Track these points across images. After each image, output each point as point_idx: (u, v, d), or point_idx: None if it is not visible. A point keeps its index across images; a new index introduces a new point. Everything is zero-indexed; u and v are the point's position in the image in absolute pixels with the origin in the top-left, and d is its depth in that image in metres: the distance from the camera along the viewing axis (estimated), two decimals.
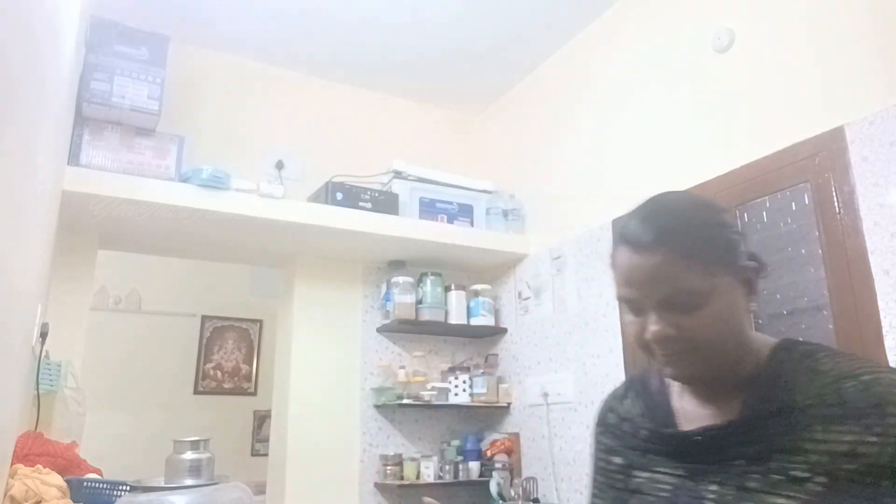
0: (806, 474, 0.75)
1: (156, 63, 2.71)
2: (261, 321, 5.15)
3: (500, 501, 2.98)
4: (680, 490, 0.84)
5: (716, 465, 0.82)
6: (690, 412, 0.89)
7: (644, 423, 0.93)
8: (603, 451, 0.99)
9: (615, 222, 2.76)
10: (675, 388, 0.93)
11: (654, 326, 0.82)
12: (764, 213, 2.20)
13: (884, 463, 0.73)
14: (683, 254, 0.81)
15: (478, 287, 3.40)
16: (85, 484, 1.86)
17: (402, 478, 3.06)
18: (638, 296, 0.84)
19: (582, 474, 2.74)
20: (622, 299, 0.87)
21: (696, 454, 0.84)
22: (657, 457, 0.89)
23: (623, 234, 0.87)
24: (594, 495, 0.98)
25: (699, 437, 0.85)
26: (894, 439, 0.73)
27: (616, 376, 2.62)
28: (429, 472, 3.07)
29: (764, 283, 2.15)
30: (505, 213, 3.36)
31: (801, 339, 0.89)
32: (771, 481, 0.77)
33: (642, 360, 2.65)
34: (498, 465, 3.08)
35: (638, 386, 0.99)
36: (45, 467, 1.76)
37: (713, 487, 0.81)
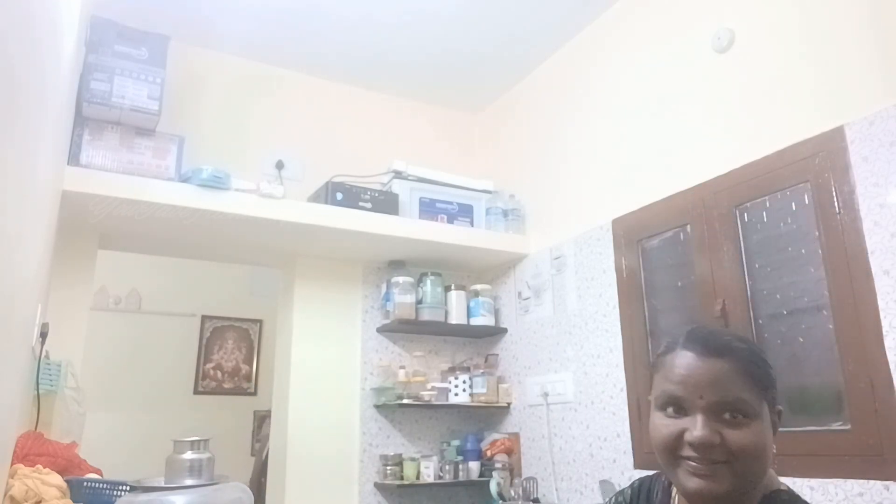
0: None
1: (156, 63, 2.71)
2: (261, 321, 5.16)
3: (500, 501, 2.98)
4: None
5: None
6: None
7: None
8: None
9: (615, 222, 2.76)
10: None
11: (700, 431, 0.84)
12: (764, 213, 2.20)
13: None
14: (744, 370, 0.86)
15: (478, 287, 3.40)
16: (85, 484, 1.86)
17: (402, 478, 3.06)
18: (689, 396, 0.86)
19: (582, 474, 2.75)
20: (666, 397, 0.89)
21: None
22: None
23: (686, 341, 0.91)
24: None
25: None
26: None
27: (616, 376, 2.62)
28: (429, 472, 3.07)
29: (764, 283, 2.16)
30: (505, 213, 3.36)
31: (790, 494, 0.90)
32: None
33: (643, 369, 2.60)
34: (498, 465, 3.08)
35: (644, 500, 1.02)
36: (45, 467, 1.76)
37: None
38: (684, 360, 0.89)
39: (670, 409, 0.89)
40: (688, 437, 0.85)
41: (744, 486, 0.85)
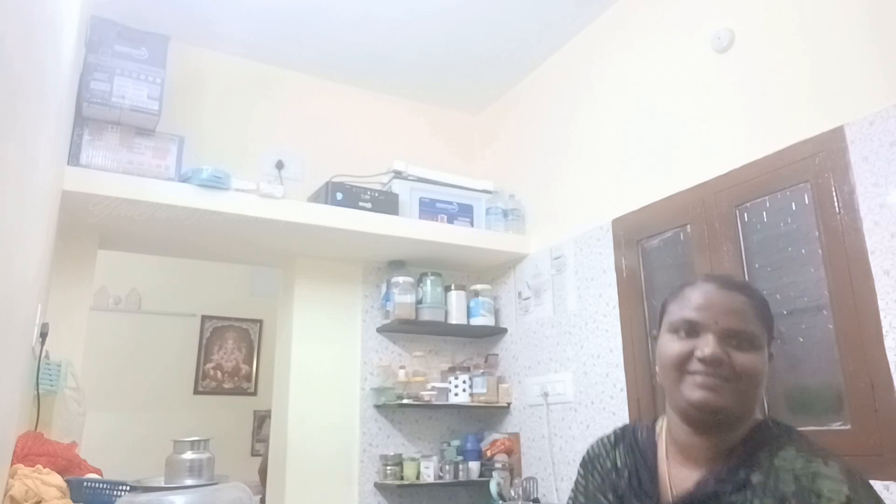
0: None
1: (156, 63, 2.71)
2: (261, 321, 5.16)
3: (500, 501, 2.98)
4: None
5: None
6: (675, 476, 0.97)
7: (632, 479, 1.01)
8: (594, 489, 1.06)
9: (615, 222, 2.76)
10: (663, 451, 1.01)
11: (711, 348, 0.92)
12: (764, 213, 2.20)
13: None
14: (756, 306, 0.96)
15: (478, 287, 3.40)
16: (85, 484, 1.86)
17: (402, 478, 3.06)
18: (704, 320, 0.94)
19: None
20: (682, 321, 0.97)
21: None
22: None
23: (707, 277, 1.02)
24: None
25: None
26: None
27: (616, 376, 2.62)
28: (429, 472, 3.07)
29: (764, 283, 2.16)
30: (505, 213, 3.36)
31: (776, 421, 0.98)
32: None
33: (643, 369, 2.61)
34: (498, 465, 3.08)
35: (630, 440, 1.07)
36: (45, 467, 1.76)
37: None
38: (704, 290, 0.98)
39: (682, 332, 0.96)
40: (699, 353, 0.92)
41: (740, 407, 0.93)
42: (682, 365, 0.94)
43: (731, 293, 0.96)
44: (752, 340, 0.93)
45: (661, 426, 1.05)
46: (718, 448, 0.94)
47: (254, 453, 4.83)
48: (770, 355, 0.98)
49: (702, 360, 0.92)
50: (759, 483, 0.88)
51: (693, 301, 0.97)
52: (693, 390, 0.92)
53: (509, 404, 3.25)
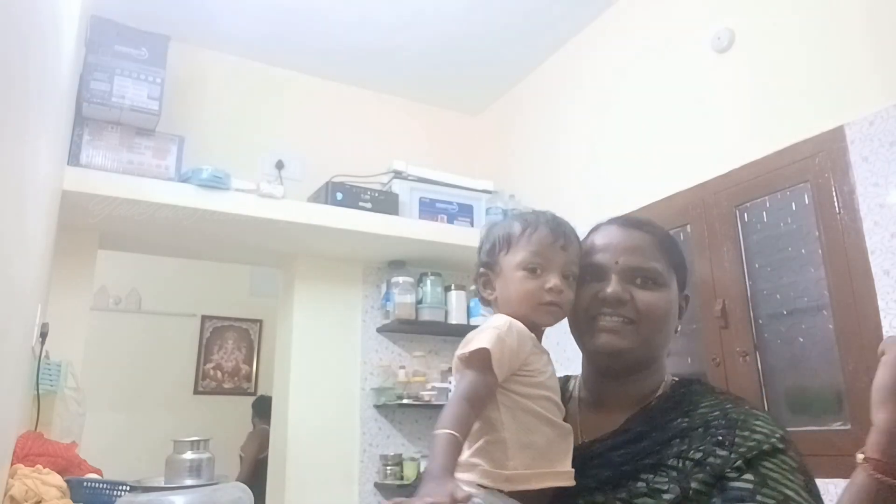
0: (665, 487, 0.79)
1: (156, 63, 2.71)
2: (261, 321, 5.16)
3: None
4: (563, 492, 0.85)
5: (597, 473, 0.85)
6: (584, 422, 0.94)
7: None
8: None
9: None
10: (577, 400, 0.99)
11: (613, 287, 0.89)
12: (764, 213, 2.20)
13: (723, 472, 0.78)
14: (659, 243, 0.93)
15: None
16: (85, 484, 1.86)
17: (402, 478, 3.05)
18: (606, 261, 0.92)
19: None
20: (585, 265, 0.93)
21: (581, 464, 0.86)
22: None
23: (611, 219, 0.98)
24: None
25: (583, 450, 0.88)
26: (738, 452, 0.78)
27: None
28: None
29: (764, 283, 2.16)
30: (505, 214, 3.35)
31: (699, 380, 0.95)
32: (637, 492, 0.80)
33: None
34: None
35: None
36: (45, 467, 1.76)
37: (599, 499, 0.83)
38: (605, 231, 0.96)
39: (588, 277, 0.93)
40: (601, 294, 0.90)
41: (645, 349, 0.90)
42: (588, 309, 0.92)
43: (630, 230, 0.94)
44: (656, 278, 0.90)
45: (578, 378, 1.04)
46: (632, 396, 0.91)
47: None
48: (686, 297, 0.96)
49: (603, 301, 0.90)
50: (689, 426, 0.84)
51: (596, 244, 0.95)
52: (598, 336, 0.90)
53: None
